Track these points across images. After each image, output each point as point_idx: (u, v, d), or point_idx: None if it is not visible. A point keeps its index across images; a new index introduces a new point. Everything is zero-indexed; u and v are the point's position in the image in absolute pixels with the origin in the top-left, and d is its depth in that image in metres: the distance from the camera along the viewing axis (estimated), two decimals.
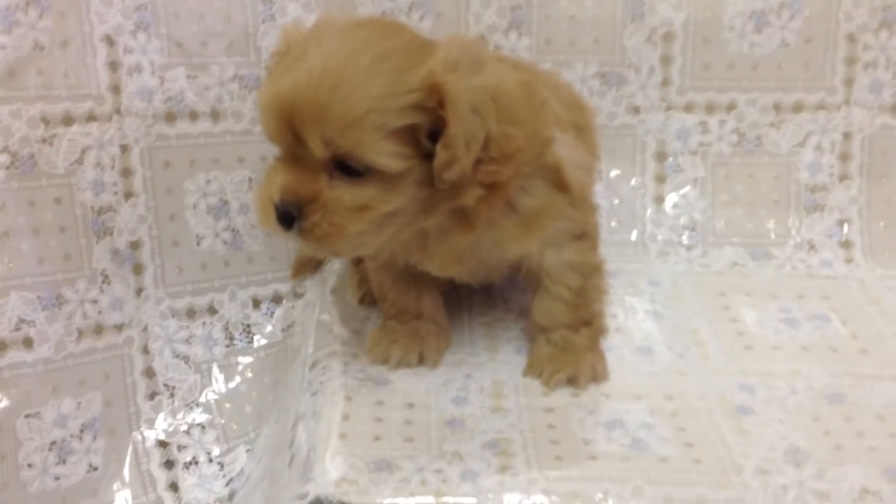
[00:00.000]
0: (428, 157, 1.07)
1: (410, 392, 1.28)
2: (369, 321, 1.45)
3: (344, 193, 1.08)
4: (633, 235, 1.70)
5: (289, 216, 1.09)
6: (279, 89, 1.06)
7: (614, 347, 1.39)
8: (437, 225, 1.17)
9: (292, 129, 1.06)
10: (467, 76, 1.05)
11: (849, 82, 1.66)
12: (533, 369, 1.32)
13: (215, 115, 1.56)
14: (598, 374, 1.30)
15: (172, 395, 1.52)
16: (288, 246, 1.64)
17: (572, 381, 1.29)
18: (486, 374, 1.33)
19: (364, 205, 1.08)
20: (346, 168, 1.07)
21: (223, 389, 1.55)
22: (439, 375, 1.32)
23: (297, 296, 1.63)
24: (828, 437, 1.19)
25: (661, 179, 1.71)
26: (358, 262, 1.53)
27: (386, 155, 1.05)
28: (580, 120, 1.35)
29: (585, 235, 1.29)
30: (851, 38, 1.64)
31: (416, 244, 1.22)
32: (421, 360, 1.34)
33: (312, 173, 1.08)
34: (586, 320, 1.33)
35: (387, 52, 1.06)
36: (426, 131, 1.06)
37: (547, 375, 1.30)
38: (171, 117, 1.52)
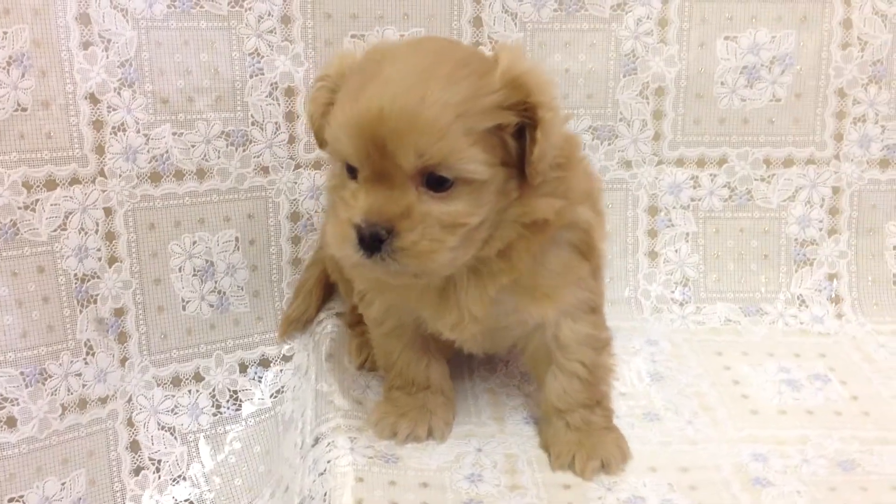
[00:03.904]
0: (504, 164, 1.07)
1: (423, 470, 1.23)
2: (370, 390, 1.40)
3: (434, 209, 1.04)
4: (626, 292, 1.68)
5: (375, 239, 1.03)
6: (362, 107, 1.02)
7: (621, 415, 1.36)
8: (472, 267, 1.14)
9: (378, 146, 1.02)
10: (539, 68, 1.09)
11: (838, 137, 1.66)
12: (561, 461, 1.25)
13: (201, 174, 1.49)
14: (625, 455, 1.27)
15: (158, 470, 1.44)
16: (275, 305, 1.59)
17: (605, 467, 1.24)
18: (497, 448, 1.29)
19: (454, 220, 1.05)
20: (433, 183, 1.04)
21: (211, 462, 1.47)
22: (450, 450, 1.28)
23: (286, 359, 1.56)
24: None
25: (652, 234, 1.69)
26: (355, 325, 1.48)
27: (476, 162, 1.03)
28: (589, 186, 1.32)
29: (598, 310, 1.27)
30: (841, 93, 1.65)
31: (434, 295, 1.18)
32: (429, 434, 1.30)
33: (399, 191, 1.04)
34: (598, 399, 1.29)
35: (462, 59, 1.06)
36: (512, 129, 1.06)
37: (580, 466, 1.24)
38: (156, 177, 1.45)
